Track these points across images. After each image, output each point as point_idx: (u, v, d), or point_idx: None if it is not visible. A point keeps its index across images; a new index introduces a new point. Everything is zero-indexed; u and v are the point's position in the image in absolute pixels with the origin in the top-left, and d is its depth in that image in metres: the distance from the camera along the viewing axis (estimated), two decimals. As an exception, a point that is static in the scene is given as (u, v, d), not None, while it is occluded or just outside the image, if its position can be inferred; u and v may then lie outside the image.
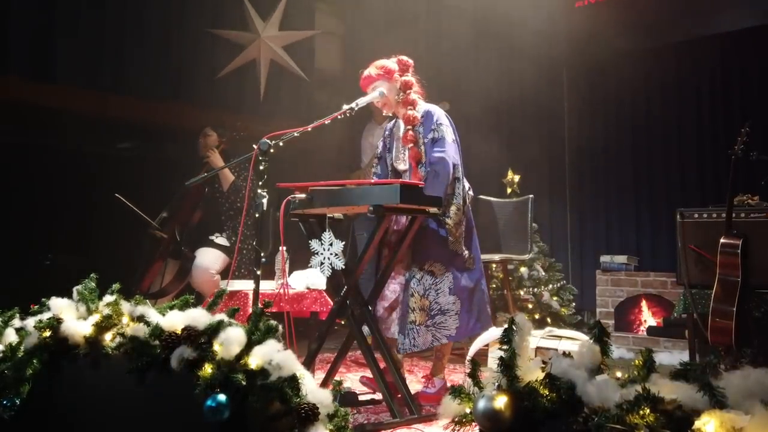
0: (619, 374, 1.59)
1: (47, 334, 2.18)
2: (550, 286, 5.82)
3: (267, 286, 3.99)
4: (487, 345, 3.63)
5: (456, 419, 1.74)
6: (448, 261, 3.65)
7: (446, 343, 3.68)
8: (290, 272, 4.34)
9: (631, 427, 1.40)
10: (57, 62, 5.46)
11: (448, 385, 3.83)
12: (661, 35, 6.13)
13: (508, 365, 1.66)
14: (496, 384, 1.68)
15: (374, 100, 3.78)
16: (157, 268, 5.32)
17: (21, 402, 2.20)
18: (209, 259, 5.31)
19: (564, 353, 1.66)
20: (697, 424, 1.38)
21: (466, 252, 3.71)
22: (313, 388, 2.12)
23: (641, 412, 1.41)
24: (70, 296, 2.35)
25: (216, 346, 2.08)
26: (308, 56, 7.20)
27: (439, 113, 3.78)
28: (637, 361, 1.58)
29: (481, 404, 1.62)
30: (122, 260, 5.39)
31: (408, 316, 3.60)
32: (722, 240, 4.01)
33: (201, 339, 2.09)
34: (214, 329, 2.11)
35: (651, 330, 5.37)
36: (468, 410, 1.70)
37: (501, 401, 1.60)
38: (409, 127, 3.77)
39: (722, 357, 3.74)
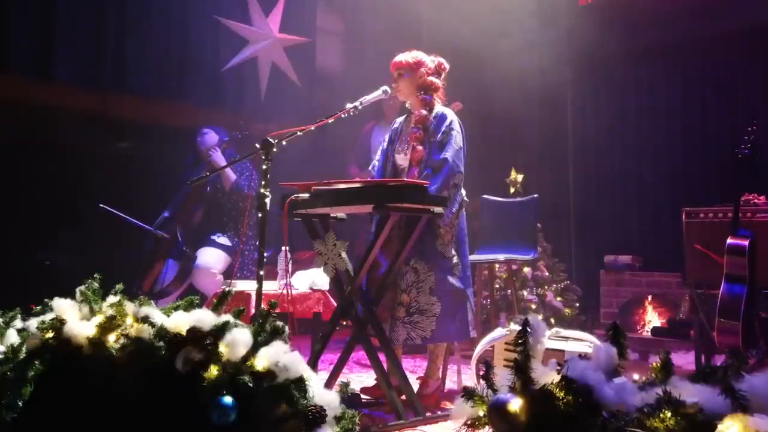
0: (636, 376, 1.56)
1: (50, 335, 2.15)
2: (554, 286, 5.79)
3: (269, 287, 3.96)
4: (492, 346, 3.58)
5: (469, 422, 1.71)
6: (433, 262, 3.61)
7: (419, 343, 3.65)
8: (293, 272, 4.30)
9: (652, 431, 1.36)
10: (56, 60, 5.43)
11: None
12: (666, 33, 6.10)
13: (522, 367, 1.62)
14: (510, 386, 1.64)
15: (378, 99, 3.75)
16: (159, 268, 5.28)
17: (23, 404, 2.16)
18: (211, 259, 5.28)
19: (580, 355, 1.62)
20: (720, 428, 1.35)
21: (455, 257, 3.68)
22: (320, 390, 2.10)
23: (662, 416, 1.37)
24: (70, 297, 2.31)
25: (222, 348, 2.05)
26: (309, 55, 7.17)
27: (453, 118, 3.76)
28: (655, 364, 1.54)
29: (495, 407, 1.58)
30: (122, 261, 5.35)
31: (392, 310, 3.59)
32: (729, 240, 3.98)
33: (206, 340, 2.06)
34: (220, 330, 2.08)
35: (656, 330, 5.34)
36: (481, 413, 1.66)
37: (516, 404, 1.57)
38: (419, 126, 3.74)
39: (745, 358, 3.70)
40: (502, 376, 1.74)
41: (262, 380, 2.01)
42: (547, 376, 1.61)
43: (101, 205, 5.05)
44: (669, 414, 1.37)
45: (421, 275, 3.58)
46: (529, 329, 1.71)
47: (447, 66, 3.92)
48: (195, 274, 5.27)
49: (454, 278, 3.65)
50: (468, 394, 1.72)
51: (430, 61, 3.86)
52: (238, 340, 2.05)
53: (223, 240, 5.41)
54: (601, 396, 1.49)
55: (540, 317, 5.41)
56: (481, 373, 1.75)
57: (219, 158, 5.44)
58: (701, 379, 1.48)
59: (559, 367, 1.60)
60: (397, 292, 3.59)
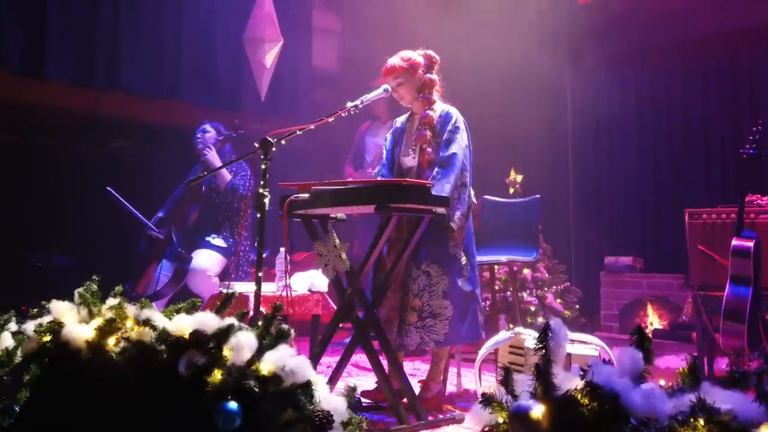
0: (662, 382, 1.49)
1: (48, 338, 2.08)
2: (554, 288, 5.74)
3: (267, 288, 3.89)
4: (495, 350, 3.53)
5: (487, 428, 1.64)
6: (446, 264, 3.57)
7: (433, 347, 3.60)
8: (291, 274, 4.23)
9: (684, 439, 1.30)
10: (48, 59, 5.34)
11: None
12: (667, 32, 6.07)
13: (544, 372, 1.56)
14: (531, 392, 1.57)
15: (379, 97, 3.68)
16: (153, 269, 5.19)
17: (19, 409, 2.09)
18: (207, 261, 5.19)
19: (603, 360, 1.56)
20: (756, 436, 1.29)
21: (464, 258, 3.63)
22: (326, 394, 2.06)
23: (695, 424, 1.30)
24: (64, 298, 2.24)
25: (226, 352, 2.00)
26: (306, 54, 7.11)
27: (457, 116, 3.70)
28: (682, 368, 1.48)
29: (516, 413, 1.51)
30: (116, 262, 5.27)
31: (402, 314, 3.53)
32: (734, 242, 3.94)
33: (210, 344, 2.01)
34: (224, 333, 2.03)
35: (657, 333, 5.30)
36: (501, 419, 1.60)
37: (538, 410, 1.51)
38: (426, 127, 3.68)
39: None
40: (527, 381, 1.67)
41: (267, 385, 1.97)
42: (569, 381, 1.55)
43: (108, 189, 4.97)
44: (702, 422, 1.31)
45: (434, 278, 3.52)
46: (549, 333, 1.65)
47: (437, 57, 3.83)
48: (190, 276, 5.18)
49: (464, 280, 3.60)
50: (486, 400, 1.65)
51: (420, 57, 3.77)
52: (243, 343, 2.01)
53: (218, 241, 5.32)
54: (628, 403, 1.43)
55: (540, 320, 5.40)
56: (500, 378, 1.69)
57: (213, 157, 5.35)
58: (733, 385, 1.42)
59: (582, 372, 1.54)
60: (409, 297, 3.52)
